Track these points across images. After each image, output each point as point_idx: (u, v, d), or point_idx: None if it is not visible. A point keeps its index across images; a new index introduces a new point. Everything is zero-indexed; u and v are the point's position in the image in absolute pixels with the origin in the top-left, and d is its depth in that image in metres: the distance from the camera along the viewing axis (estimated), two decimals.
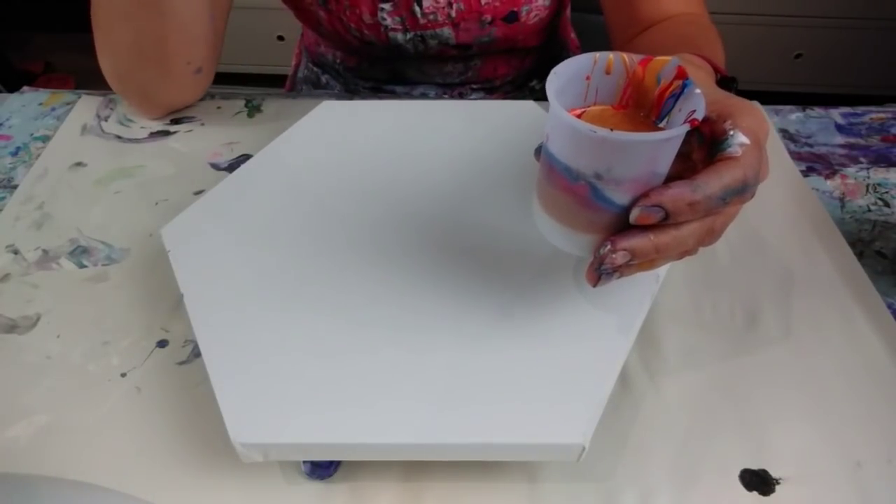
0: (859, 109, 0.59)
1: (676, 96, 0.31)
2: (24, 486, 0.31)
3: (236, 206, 0.43)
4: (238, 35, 1.62)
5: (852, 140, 0.56)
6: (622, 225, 0.30)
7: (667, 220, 0.29)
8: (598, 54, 0.32)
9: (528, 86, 0.76)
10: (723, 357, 0.40)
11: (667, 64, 0.31)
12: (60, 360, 0.40)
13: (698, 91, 0.30)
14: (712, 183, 0.29)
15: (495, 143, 0.47)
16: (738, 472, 0.35)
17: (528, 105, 0.51)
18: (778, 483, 0.34)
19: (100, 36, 0.53)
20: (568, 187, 0.30)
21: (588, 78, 0.32)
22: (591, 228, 0.31)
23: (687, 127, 0.28)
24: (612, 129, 0.27)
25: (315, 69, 0.79)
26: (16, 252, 0.47)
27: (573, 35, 0.82)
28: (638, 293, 0.37)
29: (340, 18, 0.63)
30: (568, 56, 0.80)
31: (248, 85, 1.69)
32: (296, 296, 0.37)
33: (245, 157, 0.53)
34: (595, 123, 0.28)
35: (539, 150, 0.33)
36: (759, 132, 0.31)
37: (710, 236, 0.31)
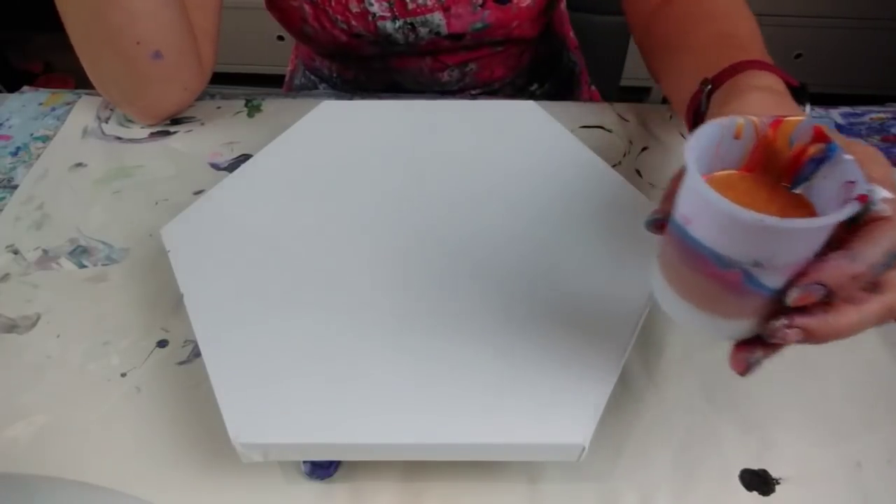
0: (859, 109, 0.59)
1: (818, 160, 0.29)
2: (23, 486, 0.31)
3: (236, 206, 0.43)
4: (238, 35, 1.62)
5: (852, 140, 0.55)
6: (773, 307, 0.28)
7: (829, 298, 0.27)
8: (725, 121, 0.29)
9: (529, 90, 0.75)
10: (723, 357, 0.40)
11: (800, 124, 0.29)
12: (60, 360, 0.40)
13: (848, 157, 0.27)
14: (871, 250, 0.26)
15: (495, 143, 0.47)
16: (738, 472, 0.35)
17: (529, 105, 0.51)
18: (778, 483, 0.34)
19: (68, 31, 0.51)
20: (716, 274, 0.27)
21: (718, 145, 0.30)
22: (737, 313, 0.29)
23: (858, 205, 0.25)
24: (778, 216, 0.24)
25: (312, 77, 0.78)
26: (16, 252, 0.47)
27: (571, 34, 0.82)
28: (638, 294, 0.37)
29: (326, 11, 0.61)
30: (567, 55, 0.80)
31: (248, 85, 1.69)
32: (296, 296, 0.37)
33: (245, 157, 0.53)
34: (724, 191, 0.25)
35: (654, 223, 0.30)
36: (890, 177, 0.28)
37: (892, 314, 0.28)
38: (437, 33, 0.63)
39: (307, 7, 0.62)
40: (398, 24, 0.62)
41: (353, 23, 0.62)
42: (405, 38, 0.63)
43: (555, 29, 0.75)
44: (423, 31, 0.63)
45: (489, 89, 0.72)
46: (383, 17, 0.61)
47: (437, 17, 0.61)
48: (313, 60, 0.75)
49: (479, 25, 0.62)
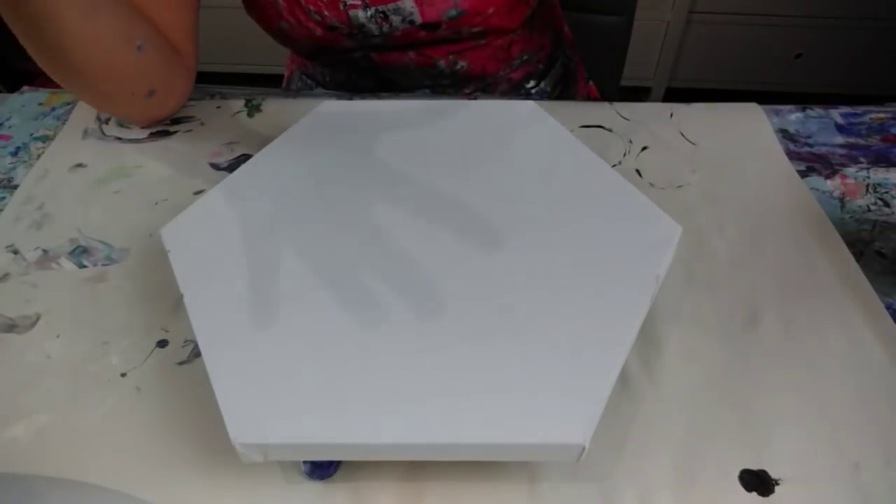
0: (859, 109, 0.59)
1: None
2: (24, 486, 0.31)
3: (236, 206, 0.43)
4: (238, 35, 1.62)
5: (852, 140, 0.56)
6: None
7: None
8: None
9: (525, 87, 0.75)
10: (722, 357, 0.40)
11: None
12: (60, 360, 0.40)
13: None
14: None
15: (495, 143, 0.47)
16: (737, 473, 0.35)
17: (529, 105, 0.51)
18: (777, 484, 0.34)
19: (42, 66, 0.49)
20: None
21: None
22: None
23: None
24: None
25: (308, 81, 0.78)
26: (16, 252, 0.47)
27: (566, 29, 0.82)
28: (637, 293, 0.37)
29: (299, 3, 0.61)
30: (564, 51, 0.79)
31: (248, 85, 1.68)
32: (296, 296, 0.37)
33: (245, 157, 0.53)
34: None
35: None
36: None
37: None
38: (412, 22, 0.62)
39: (281, 1, 0.62)
40: (370, 12, 0.61)
41: (326, 13, 0.62)
42: (379, 28, 0.63)
43: (547, 23, 0.75)
44: (395, 19, 0.62)
45: (483, 84, 0.71)
46: (354, 6, 0.61)
47: (409, 5, 0.61)
48: (307, 66, 0.76)
49: (453, 13, 0.62)
